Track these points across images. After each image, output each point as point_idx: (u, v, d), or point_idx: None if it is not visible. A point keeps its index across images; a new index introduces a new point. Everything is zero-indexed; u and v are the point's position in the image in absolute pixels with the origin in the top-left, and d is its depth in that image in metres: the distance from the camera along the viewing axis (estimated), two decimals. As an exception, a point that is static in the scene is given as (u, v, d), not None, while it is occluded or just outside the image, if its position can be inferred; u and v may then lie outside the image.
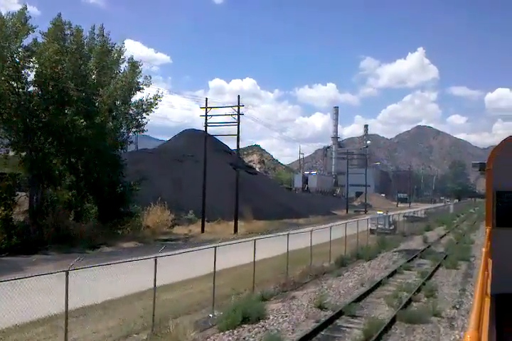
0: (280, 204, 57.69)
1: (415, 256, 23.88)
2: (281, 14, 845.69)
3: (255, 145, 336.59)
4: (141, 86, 34.60)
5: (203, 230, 37.13)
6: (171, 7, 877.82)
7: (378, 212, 40.81)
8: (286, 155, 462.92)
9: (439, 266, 21.06)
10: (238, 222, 46.95)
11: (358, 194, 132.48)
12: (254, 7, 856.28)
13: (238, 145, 38.79)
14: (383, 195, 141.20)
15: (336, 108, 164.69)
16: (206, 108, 37.26)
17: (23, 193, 30.24)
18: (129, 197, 36.48)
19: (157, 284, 16.54)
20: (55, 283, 9.75)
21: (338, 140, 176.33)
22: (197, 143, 61.93)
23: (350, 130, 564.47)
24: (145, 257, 13.04)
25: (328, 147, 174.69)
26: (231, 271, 19.44)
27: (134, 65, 34.03)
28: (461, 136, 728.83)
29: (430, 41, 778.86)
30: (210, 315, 12.45)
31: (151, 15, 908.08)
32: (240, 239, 30.25)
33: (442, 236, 36.69)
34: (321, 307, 12.91)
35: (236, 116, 36.79)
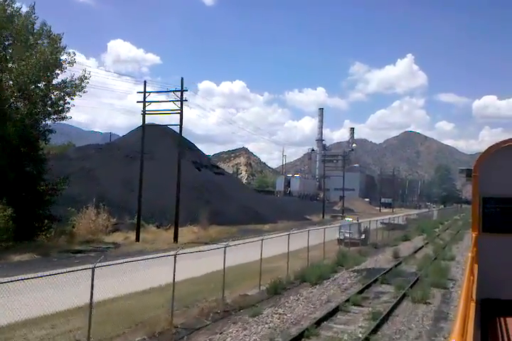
0: (247, 208, 51.70)
1: (376, 280, 17.96)
2: (271, 17, 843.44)
3: (243, 147, 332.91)
4: (64, 64, 28.71)
5: (137, 238, 30.96)
6: (161, 7, 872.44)
7: (347, 219, 34.88)
8: (275, 158, 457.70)
9: (403, 296, 15.17)
10: (192, 227, 40.98)
11: (342, 198, 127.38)
12: (244, 9, 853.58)
13: (181, 133, 32.52)
14: (367, 199, 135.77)
15: (321, 109, 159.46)
16: (144, 93, 31.10)
17: None
18: (52, 198, 30.39)
19: None
20: None
21: (324, 143, 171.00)
22: (156, 139, 55.79)
23: (339, 134, 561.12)
24: None
25: (313, 150, 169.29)
26: (116, 302, 13.48)
27: (53, 40, 27.99)
28: (449, 142, 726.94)
29: (419, 48, 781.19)
30: None
31: (141, 16, 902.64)
32: (168, 252, 24.35)
33: (419, 249, 30.82)
34: None
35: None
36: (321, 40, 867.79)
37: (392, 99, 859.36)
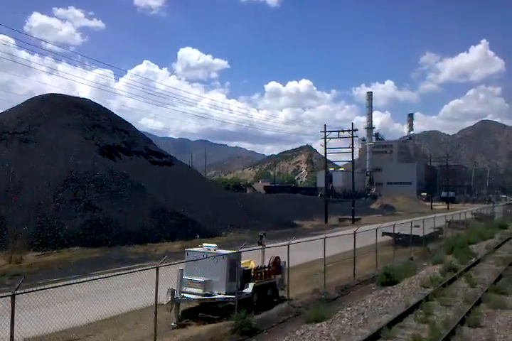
0: (172, 214, 31.58)
1: None
2: (336, 13, 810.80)
3: (306, 145, 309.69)
4: None
5: None
6: (226, 12, 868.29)
7: (207, 245, 13.61)
8: (343, 155, 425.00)
9: None
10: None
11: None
12: (308, 8, 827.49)
13: None
14: (424, 193, 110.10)
15: (370, 93, 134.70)
16: None
17: None
18: None
19: None
20: None
21: (376, 131, 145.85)
22: (54, 114, 37.23)
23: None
24: None
25: (364, 140, 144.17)
26: None
27: None
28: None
29: (494, 32, 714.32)
30: None
31: (207, 22, 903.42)
32: None
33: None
34: None
35: None
36: (387, 33, 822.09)
37: (467, 87, 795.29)
